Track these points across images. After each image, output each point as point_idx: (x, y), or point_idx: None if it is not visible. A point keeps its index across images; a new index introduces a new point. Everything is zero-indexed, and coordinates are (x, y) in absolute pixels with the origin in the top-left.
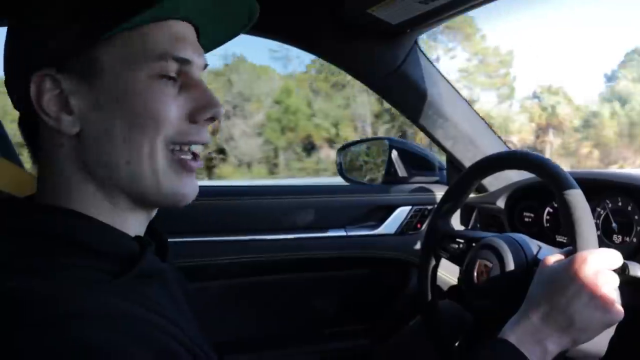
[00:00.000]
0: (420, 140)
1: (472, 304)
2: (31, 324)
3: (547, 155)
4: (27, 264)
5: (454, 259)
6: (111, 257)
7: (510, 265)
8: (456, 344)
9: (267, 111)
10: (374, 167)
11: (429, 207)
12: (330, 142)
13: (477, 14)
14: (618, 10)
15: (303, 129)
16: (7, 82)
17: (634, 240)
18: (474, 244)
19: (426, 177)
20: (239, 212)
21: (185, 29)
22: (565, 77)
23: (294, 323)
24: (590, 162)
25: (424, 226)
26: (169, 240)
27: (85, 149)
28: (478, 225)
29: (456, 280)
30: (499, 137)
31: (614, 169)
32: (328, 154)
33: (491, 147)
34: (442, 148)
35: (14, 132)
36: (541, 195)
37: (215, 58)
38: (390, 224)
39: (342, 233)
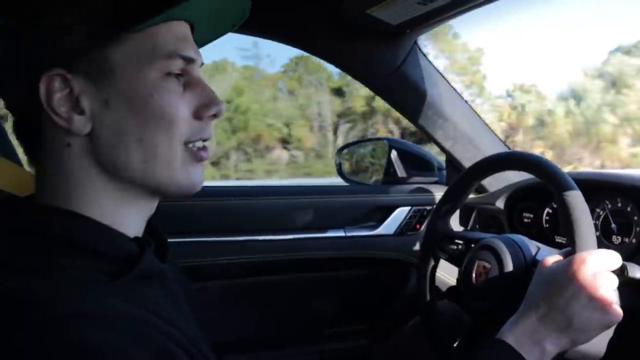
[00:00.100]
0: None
1: (471, 304)
2: (30, 324)
3: None
4: (27, 263)
5: (452, 259)
6: (110, 257)
7: (509, 266)
8: (455, 345)
9: None
10: (379, 169)
11: (428, 208)
12: (284, 142)
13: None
14: (603, 9)
15: (254, 129)
16: (1, 83)
17: (633, 241)
18: (472, 245)
19: (425, 178)
20: (238, 213)
21: (185, 29)
22: (540, 76)
23: (293, 323)
24: None
25: (423, 227)
26: (168, 240)
27: (97, 149)
28: (477, 226)
29: (455, 281)
30: (499, 138)
31: (614, 170)
32: (280, 155)
33: (491, 148)
34: (442, 148)
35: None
36: (541, 196)
37: None
38: (390, 225)
39: (341, 233)
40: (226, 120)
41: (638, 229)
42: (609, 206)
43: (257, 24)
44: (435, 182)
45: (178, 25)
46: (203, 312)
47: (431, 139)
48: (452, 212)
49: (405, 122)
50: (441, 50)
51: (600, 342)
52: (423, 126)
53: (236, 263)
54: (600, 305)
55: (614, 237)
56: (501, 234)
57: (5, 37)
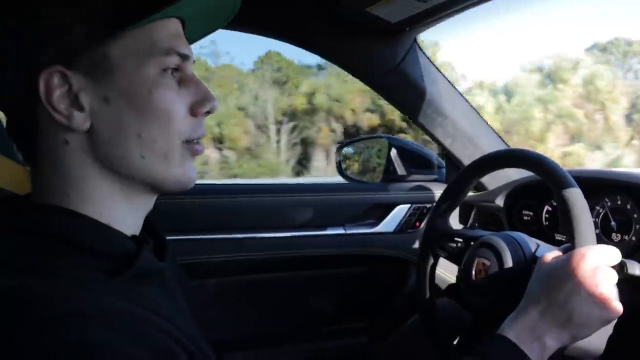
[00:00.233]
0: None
1: (471, 302)
2: (30, 323)
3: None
4: (26, 262)
5: (452, 257)
6: (108, 256)
7: (509, 264)
8: (454, 342)
9: None
10: (379, 167)
11: (428, 206)
12: (216, 141)
13: None
14: (582, 6)
15: None
16: None
17: (633, 238)
18: (472, 243)
19: (425, 176)
20: (237, 210)
21: (179, 26)
22: (482, 72)
23: (293, 321)
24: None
25: (423, 225)
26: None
27: (95, 146)
28: (477, 224)
29: (455, 278)
30: (499, 136)
31: (614, 168)
32: (209, 155)
33: (490, 146)
34: (441, 146)
35: None
36: (540, 193)
37: None
38: (389, 223)
39: (341, 231)
40: None
41: (638, 226)
42: (609, 204)
43: (256, 22)
44: (435, 180)
45: (172, 23)
46: (201, 310)
47: (431, 137)
48: (452, 210)
49: (348, 119)
50: None
51: (600, 338)
52: (423, 124)
53: (234, 261)
54: (600, 300)
55: (614, 234)
56: (501, 232)
57: (5, 37)
